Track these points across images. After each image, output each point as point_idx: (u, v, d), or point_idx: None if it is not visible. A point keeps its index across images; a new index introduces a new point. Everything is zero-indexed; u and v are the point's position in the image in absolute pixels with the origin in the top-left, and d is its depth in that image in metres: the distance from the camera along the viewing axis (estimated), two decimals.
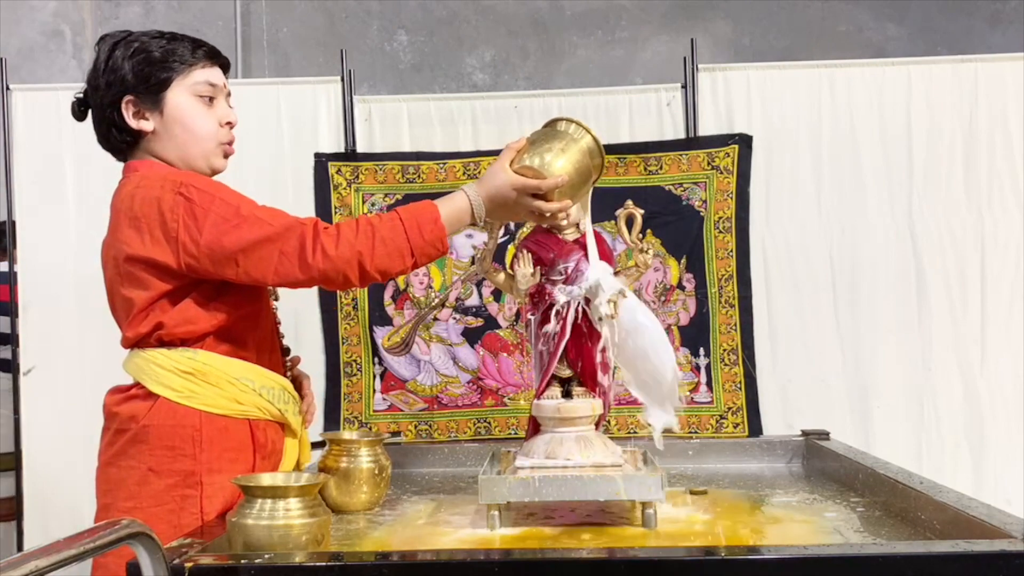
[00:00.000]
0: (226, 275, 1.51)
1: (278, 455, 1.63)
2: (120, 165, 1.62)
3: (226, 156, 1.67)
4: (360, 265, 1.49)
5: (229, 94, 1.68)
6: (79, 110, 1.67)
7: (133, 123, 1.60)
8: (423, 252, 1.53)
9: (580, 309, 1.65)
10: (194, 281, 1.53)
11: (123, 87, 1.58)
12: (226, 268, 1.49)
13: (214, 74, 1.64)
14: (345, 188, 2.65)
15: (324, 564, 1.18)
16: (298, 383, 1.78)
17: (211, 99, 1.63)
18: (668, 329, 2.60)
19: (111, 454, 1.56)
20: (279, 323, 1.74)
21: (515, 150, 1.60)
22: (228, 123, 1.66)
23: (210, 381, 1.54)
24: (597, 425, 1.67)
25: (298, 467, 1.69)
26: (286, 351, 1.74)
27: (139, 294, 1.53)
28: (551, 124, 1.64)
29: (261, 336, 1.64)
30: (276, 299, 1.75)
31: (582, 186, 1.62)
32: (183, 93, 1.60)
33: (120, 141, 1.63)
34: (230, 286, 1.56)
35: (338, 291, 2.57)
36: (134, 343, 1.57)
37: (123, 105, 1.59)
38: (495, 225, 1.69)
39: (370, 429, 2.55)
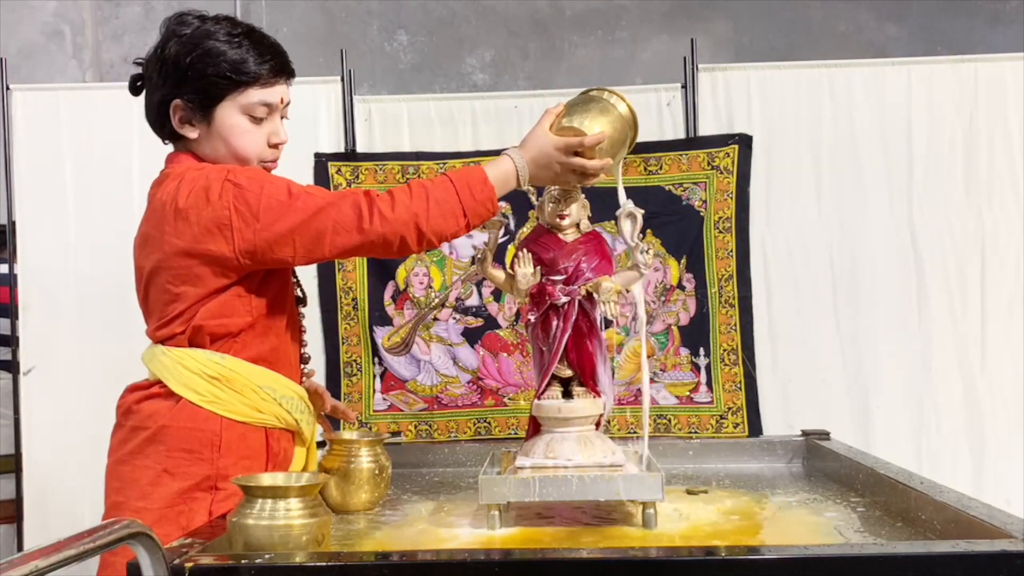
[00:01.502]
0: (283, 256, 1.49)
1: (288, 463, 1.63)
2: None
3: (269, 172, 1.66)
4: (417, 227, 1.49)
5: (287, 105, 1.64)
6: (134, 86, 1.64)
7: (178, 127, 1.58)
8: (475, 212, 1.54)
9: (580, 309, 1.65)
10: (243, 276, 1.52)
11: (175, 90, 1.56)
12: (283, 248, 1.48)
13: (272, 92, 1.59)
14: (345, 188, 2.65)
15: (324, 564, 1.18)
16: (316, 395, 1.78)
17: (262, 118, 1.60)
18: (668, 329, 2.60)
19: (125, 452, 1.54)
20: (304, 331, 1.72)
21: (554, 114, 1.62)
22: (276, 144, 1.63)
23: (235, 388, 1.53)
24: (597, 425, 1.67)
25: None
26: (305, 359, 1.73)
27: (188, 290, 1.51)
28: (585, 93, 1.68)
29: (286, 344, 1.63)
30: (304, 304, 1.73)
31: (620, 149, 1.66)
32: (234, 111, 1.57)
33: (163, 133, 1.62)
34: (266, 285, 1.55)
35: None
36: (163, 339, 1.56)
37: (171, 108, 1.57)
38: (495, 225, 1.69)
39: (370, 429, 2.55)
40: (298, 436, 1.65)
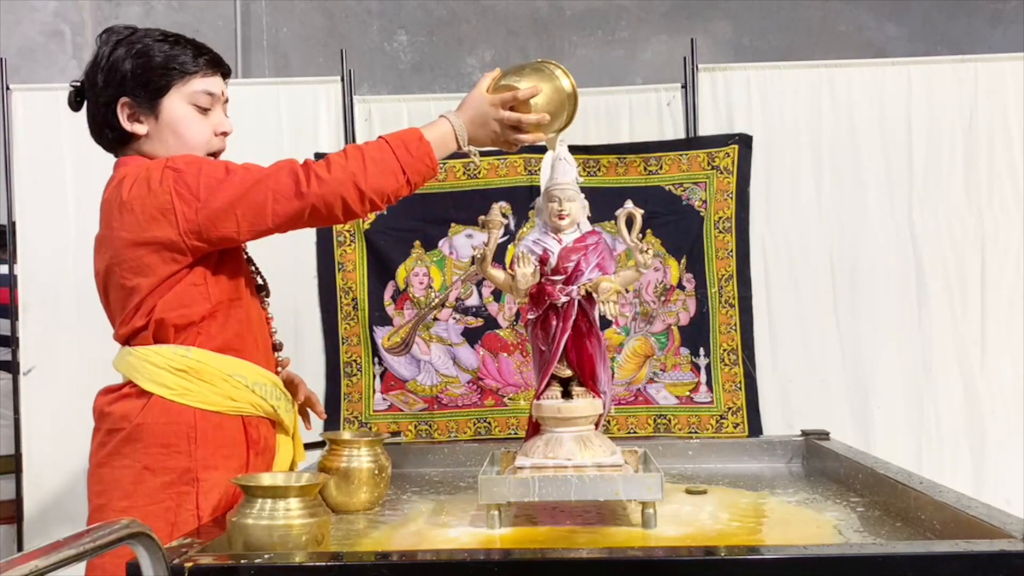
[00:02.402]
0: (227, 232, 1.51)
1: (271, 452, 1.64)
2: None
3: None
4: (356, 186, 1.51)
5: (227, 101, 1.69)
6: (75, 100, 1.68)
7: (127, 125, 1.61)
8: (414, 169, 1.57)
9: (580, 309, 1.65)
10: (191, 263, 1.54)
11: (120, 88, 1.60)
12: (226, 223, 1.50)
13: (214, 83, 1.65)
14: None
15: (324, 564, 1.18)
16: (292, 385, 1.78)
17: (207, 108, 1.64)
18: (668, 329, 2.60)
19: (103, 455, 1.55)
20: (271, 318, 1.74)
21: (491, 77, 1.68)
22: (222, 133, 1.67)
23: (204, 378, 1.54)
24: (597, 425, 1.67)
25: (292, 466, 1.69)
26: (278, 347, 1.74)
27: (140, 281, 1.53)
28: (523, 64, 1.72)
29: (252, 332, 1.64)
30: (267, 295, 1.75)
31: (556, 111, 1.68)
32: (179, 101, 1.62)
33: (112, 139, 1.64)
34: (221, 272, 1.57)
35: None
36: (127, 338, 1.57)
37: (119, 106, 1.60)
38: (495, 225, 1.69)
39: (370, 429, 2.56)
40: (279, 425, 1.66)
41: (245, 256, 1.71)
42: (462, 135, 1.64)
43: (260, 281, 1.73)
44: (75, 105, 1.69)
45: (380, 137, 1.59)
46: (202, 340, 1.56)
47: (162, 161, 1.56)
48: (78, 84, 1.67)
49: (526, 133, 1.67)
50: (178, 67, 1.60)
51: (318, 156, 2.59)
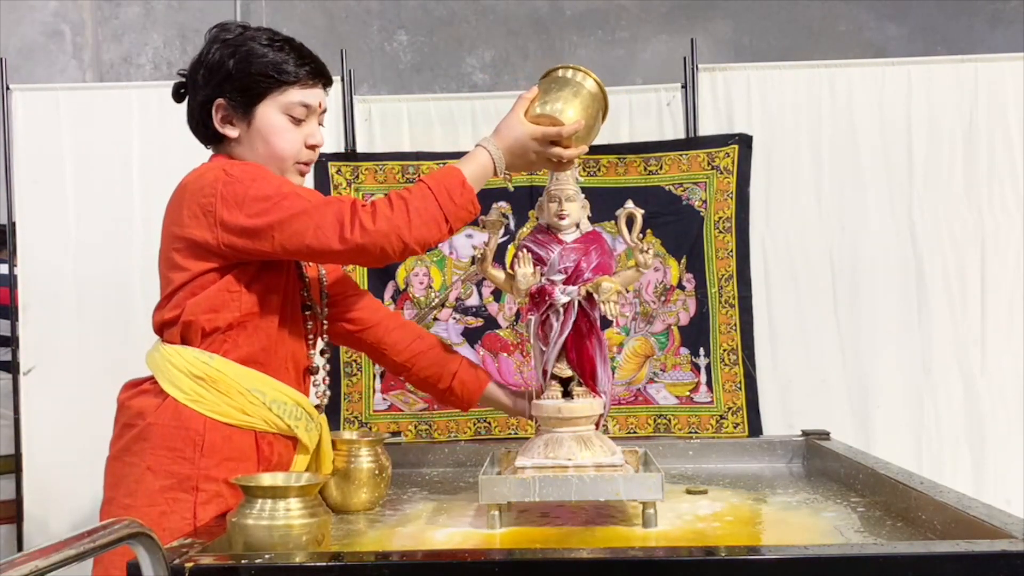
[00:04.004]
0: (263, 248, 1.50)
1: (285, 468, 1.60)
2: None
3: (302, 174, 1.68)
4: (400, 238, 1.49)
5: (324, 112, 1.68)
6: (178, 92, 1.68)
7: (219, 127, 1.61)
8: (456, 217, 1.54)
9: (580, 309, 1.65)
10: (227, 266, 1.53)
11: (218, 89, 1.59)
12: (263, 242, 1.50)
13: (312, 94, 1.64)
14: (345, 188, 2.65)
15: (324, 564, 1.18)
16: None
17: (301, 119, 1.63)
18: (668, 329, 2.60)
19: (118, 448, 1.56)
20: (311, 338, 1.68)
21: (528, 100, 1.63)
22: (313, 145, 1.66)
23: (219, 388, 1.53)
24: (597, 425, 1.67)
25: None
26: (313, 371, 1.69)
27: (175, 274, 1.54)
28: (551, 73, 1.68)
29: (283, 348, 1.61)
30: (313, 312, 1.69)
31: (593, 129, 1.65)
32: (274, 110, 1.61)
33: (204, 135, 1.65)
34: (258, 282, 1.56)
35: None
36: (160, 328, 1.59)
37: (214, 107, 1.60)
38: (495, 225, 1.69)
39: (370, 429, 2.55)
40: (299, 444, 1.61)
41: (298, 273, 1.67)
42: (500, 166, 1.60)
43: (308, 301, 1.69)
44: (178, 97, 1.68)
45: (421, 180, 1.55)
46: (227, 348, 1.54)
47: (224, 163, 1.56)
48: (183, 76, 1.66)
49: (569, 151, 1.63)
50: (277, 75, 1.59)
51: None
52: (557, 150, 1.61)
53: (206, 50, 1.61)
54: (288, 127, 1.62)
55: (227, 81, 1.58)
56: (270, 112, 1.60)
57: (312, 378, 1.70)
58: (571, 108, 1.60)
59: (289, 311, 1.63)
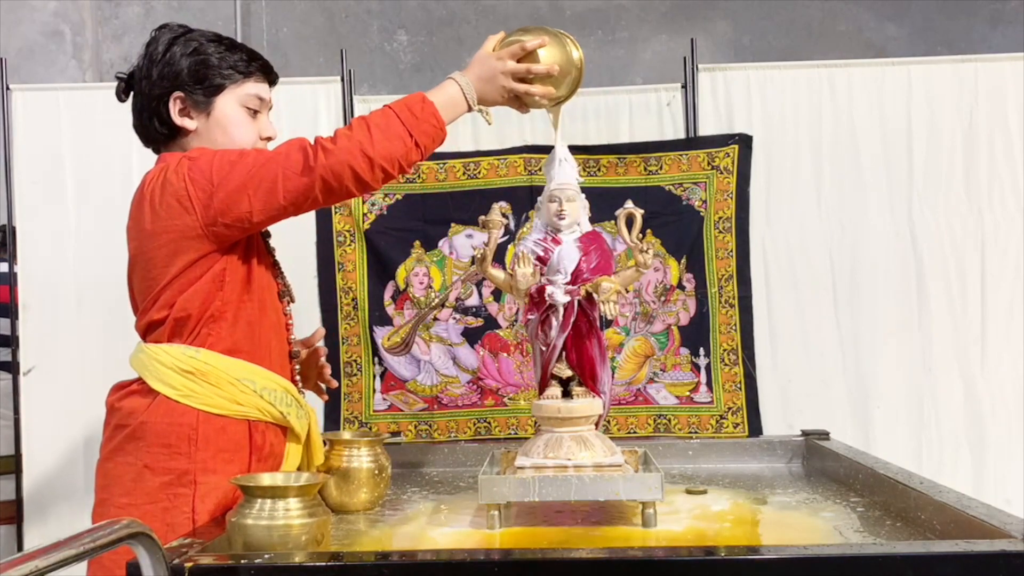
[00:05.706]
0: (240, 212, 1.52)
1: (277, 458, 1.62)
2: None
3: None
4: (364, 154, 1.52)
5: (271, 108, 1.74)
6: (123, 90, 1.70)
7: (177, 119, 1.64)
8: (420, 130, 1.56)
9: (580, 309, 1.65)
10: (211, 256, 1.54)
11: (176, 83, 1.63)
12: (240, 204, 1.51)
13: (263, 88, 1.71)
14: None
15: (324, 564, 1.18)
16: (315, 354, 1.85)
17: (256, 112, 1.69)
18: (668, 329, 2.60)
19: (109, 450, 1.56)
20: (290, 325, 1.72)
21: (496, 39, 1.71)
22: (267, 138, 1.71)
23: (210, 381, 1.54)
24: (597, 425, 1.67)
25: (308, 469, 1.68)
26: (295, 355, 1.73)
27: (158, 273, 1.55)
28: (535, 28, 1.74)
29: (265, 335, 1.63)
30: (291, 301, 1.74)
31: (564, 72, 1.69)
32: (232, 102, 1.66)
33: (158, 132, 1.66)
34: (239, 271, 1.57)
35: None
36: (144, 331, 1.59)
37: (171, 100, 1.63)
38: (495, 225, 1.69)
39: (370, 429, 2.55)
40: (290, 432, 1.64)
41: (272, 260, 1.71)
42: (470, 93, 1.64)
43: (283, 286, 1.72)
44: (122, 96, 1.71)
45: (385, 105, 1.60)
46: (212, 341, 1.55)
47: (179, 155, 1.59)
48: (125, 76, 1.70)
49: (534, 86, 1.67)
50: (233, 68, 1.65)
51: None
52: (525, 86, 1.66)
53: (157, 49, 1.64)
54: (245, 119, 1.67)
55: (185, 75, 1.62)
56: (228, 103, 1.65)
57: (296, 365, 1.73)
58: (536, 36, 1.68)
59: (268, 298, 1.65)
